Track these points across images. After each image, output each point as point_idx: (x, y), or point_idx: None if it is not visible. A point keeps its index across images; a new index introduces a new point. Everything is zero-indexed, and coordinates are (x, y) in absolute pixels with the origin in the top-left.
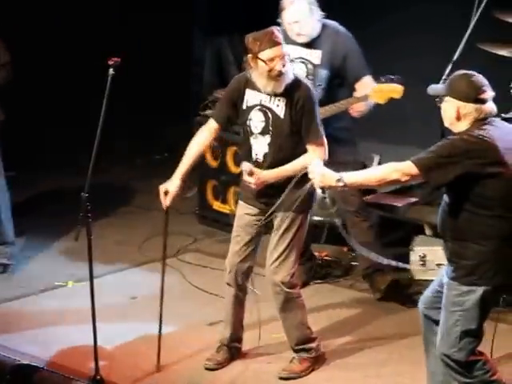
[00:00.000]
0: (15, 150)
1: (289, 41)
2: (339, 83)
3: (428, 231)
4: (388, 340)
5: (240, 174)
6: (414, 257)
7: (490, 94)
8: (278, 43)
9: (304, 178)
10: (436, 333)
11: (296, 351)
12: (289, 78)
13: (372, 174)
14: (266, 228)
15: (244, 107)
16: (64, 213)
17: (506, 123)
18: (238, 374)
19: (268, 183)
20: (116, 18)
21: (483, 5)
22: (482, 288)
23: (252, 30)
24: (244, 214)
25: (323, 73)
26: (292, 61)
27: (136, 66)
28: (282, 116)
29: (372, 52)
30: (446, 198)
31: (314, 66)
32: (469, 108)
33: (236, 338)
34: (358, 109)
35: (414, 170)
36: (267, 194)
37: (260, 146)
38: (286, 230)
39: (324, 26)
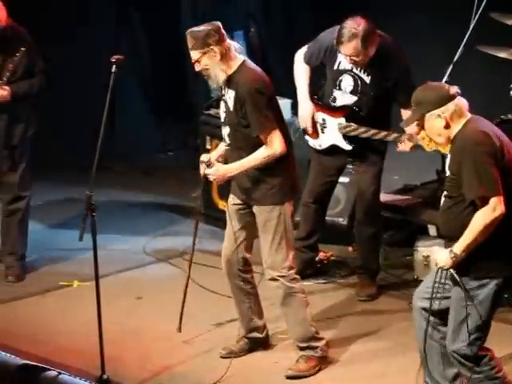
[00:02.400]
0: None
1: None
2: (387, 101)
3: (432, 231)
4: (393, 339)
5: None
6: (418, 257)
7: (455, 88)
8: (189, 48)
9: (273, 171)
10: (436, 323)
11: (301, 349)
12: (217, 76)
13: None
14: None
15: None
16: (68, 212)
17: (484, 119)
18: (244, 373)
19: (230, 176)
20: (120, 17)
21: (482, 7)
22: (493, 281)
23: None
24: (231, 204)
25: (370, 91)
26: (343, 72)
27: (142, 63)
28: (231, 108)
29: None
30: (448, 196)
31: (363, 83)
32: (450, 107)
33: (251, 328)
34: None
35: (498, 200)
36: (243, 186)
37: (225, 136)
38: (264, 225)
39: (379, 45)
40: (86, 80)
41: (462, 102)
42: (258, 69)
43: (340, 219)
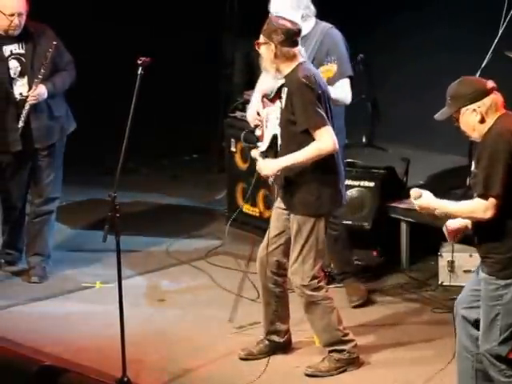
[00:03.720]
0: None
1: None
2: None
3: None
4: (417, 346)
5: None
6: (443, 262)
7: (492, 83)
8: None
9: (315, 180)
10: (471, 335)
11: (328, 352)
12: (266, 67)
13: None
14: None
15: None
16: (92, 213)
17: None
18: (265, 377)
19: (282, 170)
20: (146, 19)
21: None
22: None
23: None
24: (276, 207)
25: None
26: None
27: (165, 66)
28: (283, 106)
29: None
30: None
31: None
32: (486, 102)
33: (272, 330)
34: None
35: (494, 203)
36: (283, 192)
37: (278, 137)
38: (296, 233)
39: (316, 25)
40: (113, 80)
41: (498, 98)
42: (315, 70)
43: (365, 223)
